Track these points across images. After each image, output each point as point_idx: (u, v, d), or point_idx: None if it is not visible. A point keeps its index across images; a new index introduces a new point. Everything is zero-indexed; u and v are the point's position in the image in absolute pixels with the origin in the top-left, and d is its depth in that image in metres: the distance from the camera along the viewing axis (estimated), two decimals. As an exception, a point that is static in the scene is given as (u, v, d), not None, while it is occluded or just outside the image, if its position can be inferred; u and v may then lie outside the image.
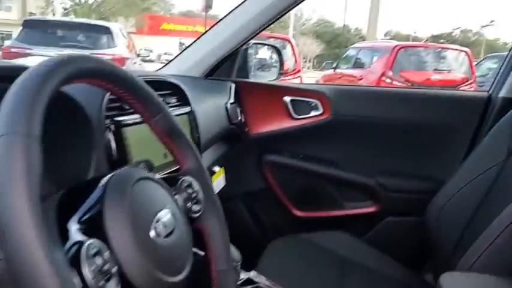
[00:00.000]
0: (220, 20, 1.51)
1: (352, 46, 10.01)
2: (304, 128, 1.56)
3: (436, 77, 7.28)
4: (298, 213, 1.61)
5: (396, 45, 7.43)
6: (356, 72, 8.06)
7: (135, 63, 7.61)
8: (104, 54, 6.72)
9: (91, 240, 0.43)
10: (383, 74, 7.19)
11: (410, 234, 1.52)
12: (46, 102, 0.42)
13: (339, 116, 1.54)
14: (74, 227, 0.45)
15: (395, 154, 1.54)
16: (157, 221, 0.52)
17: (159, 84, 1.02)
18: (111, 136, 0.77)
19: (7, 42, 7.76)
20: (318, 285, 1.18)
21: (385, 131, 1.54)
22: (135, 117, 0.86)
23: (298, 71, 7.40)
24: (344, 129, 1.56)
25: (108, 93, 0.77)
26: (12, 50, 6.73)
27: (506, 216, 0.93)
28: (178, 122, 0.67)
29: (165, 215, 0.54)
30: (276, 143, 1.61)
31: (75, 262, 0.41)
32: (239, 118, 1.53)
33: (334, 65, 9.31)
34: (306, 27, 49.30)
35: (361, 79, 7.74)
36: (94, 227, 0.46)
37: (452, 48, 8.08)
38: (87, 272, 0.41)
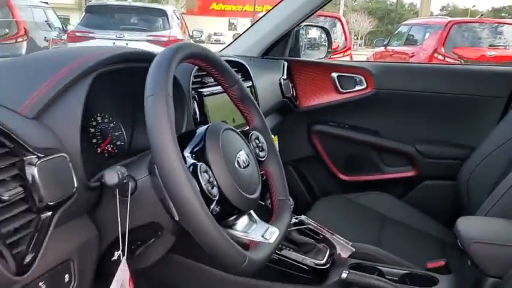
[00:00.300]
0: (275, 6, 1.71)
1: (403, 23, 9.84)
2: (349, 101, 1.75)
3: (491, 53, 7.09)
4: (344, 177, 1.82)
5: (449, 21, 7.28)
6: (407, 49, 7.98)
7: (189, 44, 7.95)
8: (160, 36, 7.10)
9: (201, 163, 0.67)
10: (435, 51, 7.09)
11: (445, 196, 1.68)
12: (173, 74, 0.66)
13: (381, 89, 1.71)
14: (187, 154, 0.70)
15: (432, 124, 1.70)
16: (238, 157, 0.75)
17: (228, 63, 1.26)
18: (195, 103, 1.02)
19: (70, 27, 8.29)
20: (358, 234, 1.37)
21: (423, 103, 1.69)
22: (212, 89, 1.10)
23: (349, 49, 7.44)
24: (385, 101, 1.73)
25: (194, 71, 1.01)
26: (77, 34, 7.23)
27: None
28: (248, 91, 0.90)
29: (242, 154, 0.77)
30: (323, 115, 1.81)
31: (193, 175, 0.65)
32: (291, 92, 1.74)
33: (385, 42, 9.23)
34: (357, 4, 48.02)
35: (412, 56, 7.66)
36: (200, 156, 0.70)
37: (510, 23, 7.79)
38: (201, 180, 0.65)
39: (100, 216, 0.75)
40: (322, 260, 1.11)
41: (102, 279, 0.82)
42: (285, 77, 1.71)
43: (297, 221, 1.21)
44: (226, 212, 0.73)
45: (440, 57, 6.99)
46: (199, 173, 0.66)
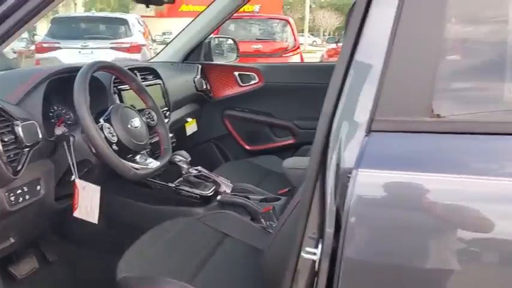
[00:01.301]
0: (191, 22, 2.33)
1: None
2: (248, 92, 2.39)
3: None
4: (248, 147, 2.46)
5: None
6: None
7: (150, 48, 8.49)
8: (122, 42, 7.61)
9: (107, 123, 1.29)
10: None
11: None
12: (89, 78, 1.27)
13: (268, 83, 2.36)
14: (101, 119, 1.31)
15: (303, 105, 2.34)
16: (131, 122, 1.37)
17: (143, 68, 1.88)
18: (116, 96, 1.63)
19: (37, 38, 8.70)
20: (243, 179, 1.96)
21: (296, 91, 2.35)
22: (126, 86, 1.71)
23: (297, 48, 8.10)
24: (272, 91, 2.38)
25: (113, 76, 1.62)
26: (44, 45, 7.67)
27: None
28: (143, 86, 1.51)
29: (135, 120, 1.39)
30: (231, 103, 2.44)
31: (101, 130, 1.27)
32: (204, 87, 2.36)
33: (336, 40, 10.00)
34: (325, 1, 49.07)
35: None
36: (108, 121, 1.31)
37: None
38: (105, 132, 1.27)
39: (55, 158, 1.35)
40: (208, 191, 1.73)
41: (61, 199, 1.43)
42: (198, 76, 2.34)
43: (195, 170, 1.83)
44: (124, 150, 1.34)
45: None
46: (104, 129, 1.28)
